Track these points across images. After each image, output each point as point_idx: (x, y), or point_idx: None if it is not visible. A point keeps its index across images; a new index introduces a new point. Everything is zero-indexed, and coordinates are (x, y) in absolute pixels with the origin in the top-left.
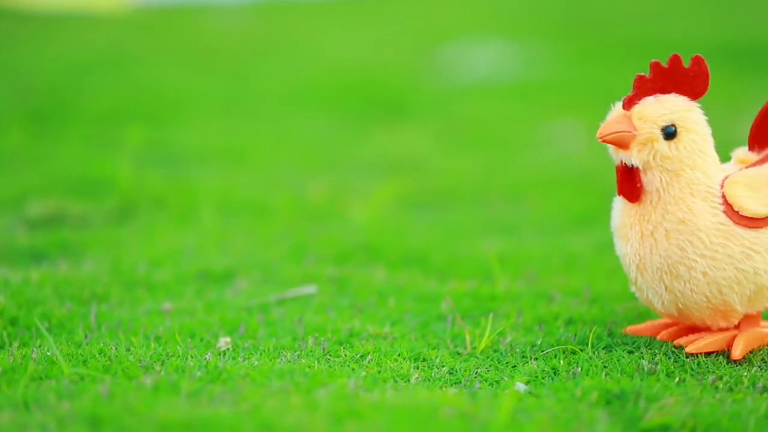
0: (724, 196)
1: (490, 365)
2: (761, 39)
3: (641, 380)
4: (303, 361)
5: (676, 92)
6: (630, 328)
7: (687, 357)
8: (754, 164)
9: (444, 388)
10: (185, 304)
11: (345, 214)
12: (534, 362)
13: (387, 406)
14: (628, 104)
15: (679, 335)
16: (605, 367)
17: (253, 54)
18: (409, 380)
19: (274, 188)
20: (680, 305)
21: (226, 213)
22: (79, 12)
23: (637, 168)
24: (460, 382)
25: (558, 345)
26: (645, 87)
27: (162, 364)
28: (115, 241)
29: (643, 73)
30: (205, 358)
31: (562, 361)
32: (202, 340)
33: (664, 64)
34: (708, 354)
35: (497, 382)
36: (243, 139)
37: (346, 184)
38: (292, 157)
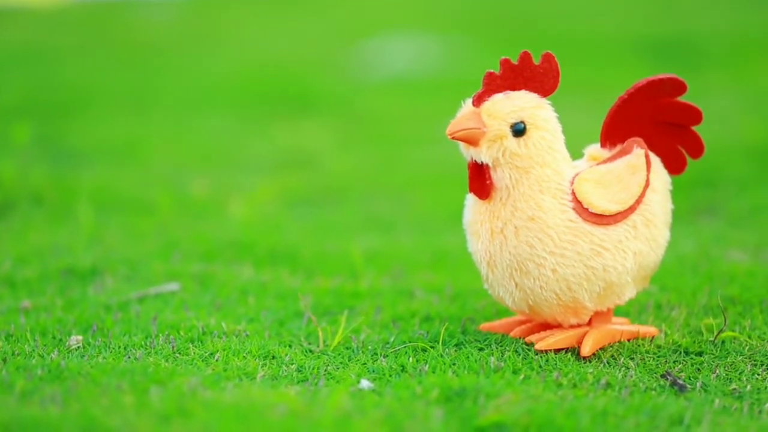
0: (573, 193)
1: (339, 363)
2: (674, 33)
3: (486, 377)
4: (150, 359)
5: (527, 89)
6: (484, 325)
7: (536, 354)
8: (605, 161)
9: (287, 386)
10: (45, 301)
11: (224, 210)
12: (384, 360)
13: (220, 404)
14: (478, 101)
15: (531, 332)
16: (453, 364)
17: (173, 49)
18: (254, 378)
19: (158, 185)
20: (530, 302)
21: (105, 210)
22: (15, 6)
23: (487, 165)
24: (307, 379)
25: (411, 342)
26: (494, 84)
27: (4, 363)
28: None
29: (492, 70)
30: (51, 357)
31: (411, 359)
32: (54, 338)
33: (514, 61)
34: (558, 351)
35: (344, 379)
36: (139, 135)
37: (233, 180)
38: (184, 154)
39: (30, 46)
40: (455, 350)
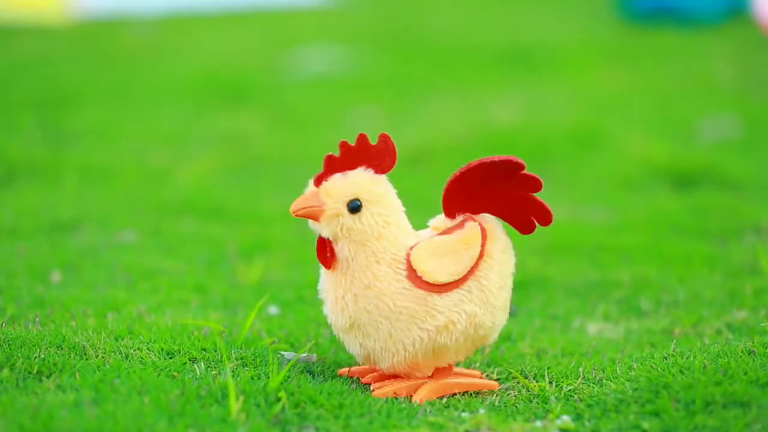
0: (409, 262)
1: (254, 294)
2: (525, 44)
3: None
4: (110, 291)
5: (367, 167)
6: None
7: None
8: (442, 232)
9: (213, 312)
10: (35, 247)
11: (175, 177)
12: (288, 292)
13: (160, 326)
14: (318, 181)
15: (381, 379)
16: None
17: (147, 57)
18: (188, 305)
19: (127, 158)
20: (374, 360)
21: (86, 178)
22: (26, 23)
23: (329, 239)
24: (229, 307)
25: (309, 279)
26: (334, 165)
27: (1, 293)
28: None
29: (332, 153)
30: (36, 289)
31: (308, 291)
32: (40, 274)
33: (352, 143)
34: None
35: (254, 306)
36: (116, 121)
37: (183, 154)
38: (148, 135)
39: (36, 55)
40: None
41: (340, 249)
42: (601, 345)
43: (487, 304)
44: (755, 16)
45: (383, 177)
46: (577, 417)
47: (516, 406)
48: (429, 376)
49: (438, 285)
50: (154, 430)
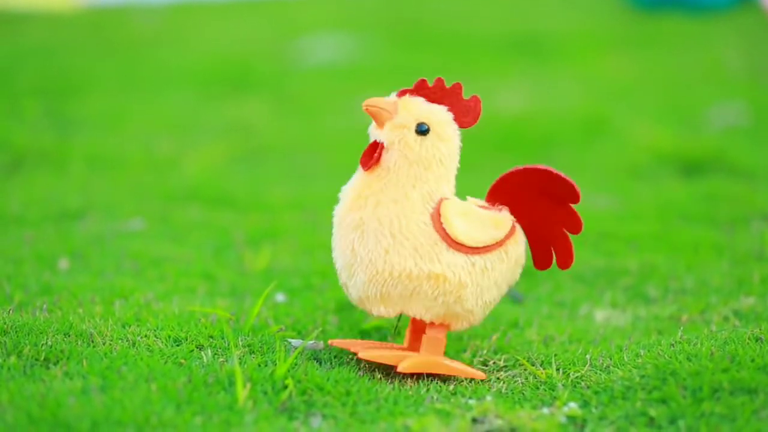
0: (438, 207)
1: (261, 282)
2: (531, 32)
3: None
4: (117, 279)
5: (449, 110)
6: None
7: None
8: (479, 206)
9: (220, 299)
10: (43, 234)
11: (181, 165)
12: (295, 279)
13: (167, 313)
14: (401, 94)
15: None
16: None
17: (152, 45)
18: (196, 293)
19: (133, 146)
20: (354, 270)
21: (93, 165)
22: (32, 10)
23: (383, 144)
24: (236, 294)
25: (316, 266)
26: (422, 90)
27: (8, 280)
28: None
29: (426, 79)
30: (44, 276)
31: (315, 279)
32: (48, 262)
33: (448, 84)
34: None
35: (261, 293)
36: (122, 109)
37: (189, 142)
38: (154, 123)
39: (43, 42)
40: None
41: (388, 158)
42: (609, 332)
43: (479, 287)
44: (762, 5)
45: (457, 127)
46: (584, 404)
47: (523, 393)
48: (415, 349)
49: (452, 239)
50: (161, 417)
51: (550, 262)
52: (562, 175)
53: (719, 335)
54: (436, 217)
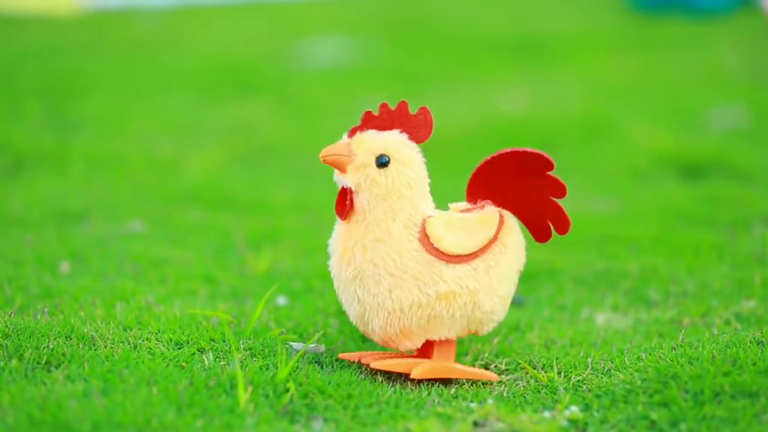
0: (423, 227)
1: (263, 284)
2: (532, 34)
3: None
4: (118, 281)
5: (402, 132)
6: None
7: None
8: (461, 212)
9: (221, 302)
10: (43, 237)
11: (182, 167)
12: (296, 282)
13: (168, 316)
14: (352, 134)
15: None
16: None
17: (154, 47)
18: (197, 295)
19: (134, 148)
20: (367, 318)
21: (93, 167)
22: (32, 13)
23: (351, 189)
24: (238, 297)
25: (317, 269)
26: (371, 122)
27: (9, 283)
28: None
29: (371, 111)
30: (44, 279)
31: (317, 282)
32: (49, 264)
33: (393, 106)
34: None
35: (263, 296)
36: (123, 111)
37: (190, 144)
38: (155, 125)
39: (44, 44)
40: None
41: (360, 200)
42: (610, 335)
43: (489, 287)
44: (762, 7)
45: (415, 145)
46: (586, 407)
47: (524, 397)
48: (428, 356)
49: (447, 254)
50: (162, 420)
51: (550, 233)
52: (529, 150)
53: (720, 338)
54: (425, 240)
